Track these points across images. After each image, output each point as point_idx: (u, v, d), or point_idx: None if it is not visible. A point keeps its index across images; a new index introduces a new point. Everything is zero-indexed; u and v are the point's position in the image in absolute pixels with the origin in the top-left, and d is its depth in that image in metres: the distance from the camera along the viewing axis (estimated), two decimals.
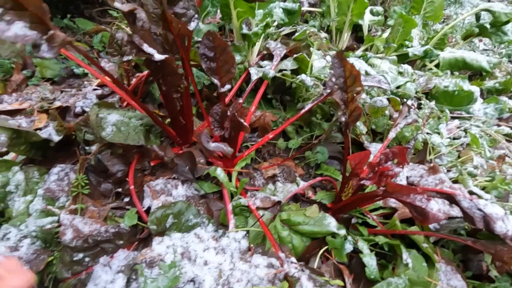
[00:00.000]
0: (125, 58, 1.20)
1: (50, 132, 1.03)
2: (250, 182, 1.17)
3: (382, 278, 0.88)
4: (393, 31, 1.99)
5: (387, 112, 1.39)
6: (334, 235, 0.95)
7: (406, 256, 0.84)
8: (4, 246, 0.81)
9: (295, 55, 1.33)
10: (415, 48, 2.06)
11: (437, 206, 0.70)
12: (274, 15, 1.63)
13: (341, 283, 0.76)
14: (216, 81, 0.97)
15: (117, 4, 0.78)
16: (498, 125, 1.68)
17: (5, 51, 1.13)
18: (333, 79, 0.90)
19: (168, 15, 0.76)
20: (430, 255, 0.88)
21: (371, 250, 0.92)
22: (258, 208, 0.96)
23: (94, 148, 1.09)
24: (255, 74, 1.27)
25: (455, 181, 1.19)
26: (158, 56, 0.78)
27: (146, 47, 0.78)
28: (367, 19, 2.30)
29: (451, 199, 0.82)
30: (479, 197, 0.94)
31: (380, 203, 1.10)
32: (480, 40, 2.89)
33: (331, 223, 0.94)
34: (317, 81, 1.33)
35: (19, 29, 0.61)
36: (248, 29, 1.51)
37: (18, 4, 0.62)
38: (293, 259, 0.79)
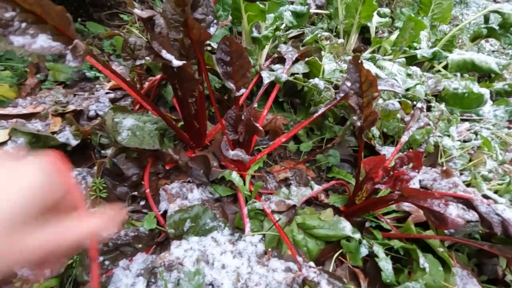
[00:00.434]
0: (138, 62, 1.22)
1: (68, 136, 1.04)
2: (263, 185, 1.18)
3: (398, 283, 0.88)
4: (402, 33, 1.98)
5: (398, 115, 1.39)
6: (349, 238, 0.96)
7: (423, 260, 0.85)
8: None
9: (306, 59, 1.33)
10: (424, 50, 2.06)
11: (456, 211, 0.71)
12: (284, 18, 1.64)
13: None
14: (231, 85, 0.98)
15: (137, 11, 0.79)
16: (508, 128, 1.67)
17: (20, 49, 1.15)
18: (348, 84, 0.90)
19: (191, 21, 0.77)
20: (446, 259, 0.88)
21: (387, 254, 0.93)
22: (273, 212, 0.97)
23: (109, 151, 1.10)
24: (267, 77, 1.28)
25: (468, 185, 1.19)
26: (176, 62, 0.79)
27: (165, 53, 0.79)
28: (374, 21, 2.31)
29: (468, 204, 0.82)
30: (495, 201, 0.94)
31: (393, 206, 1.10)
32: (487, 41, 2.88)
33: (346, 227, 0.94)
34: (328, 84, 1.34)
35: (43, 41, 0.62)
36: (258, 33, 1.52)
37: (39, 18, 0.63)
38: (311, 263, 0.80)
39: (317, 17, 2.42)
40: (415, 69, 1.83)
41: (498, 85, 2.04)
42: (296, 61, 1.38)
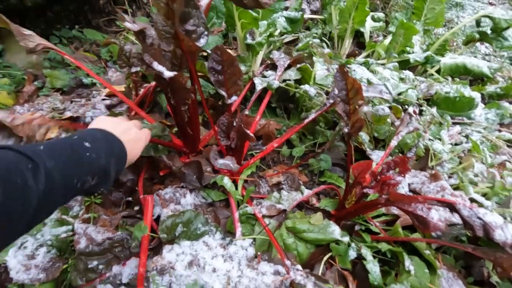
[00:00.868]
0: (133, 70, 1.25)
1: None
2: (255, 189, 1.21)
3: (385, 284, 0.90)
4: (394, 38, 2.02)
5: (388, 120, 1.42)
6: (338, 242, 0.98)
7: (408, 263, 0.87)
8: (22, 255, 0.84)
9: (298, 65, 1.36)
10: (416, 54, 2.09)
11: (437, 215, 0.73)
12: (277, 24, 1.67)
13: None
14: (223, 93, 1.01)
15: (128, 24, 0.82)
16: (499, 131, 1.70)
17: (21, 62, 1.18)
18: (336, 91, 0.93)
19: (180, 34, 0.79)
20: (431, 261, 0.90)
21: (374, 257, 0.95)
22: (264, 216, 0.99)
23: None
24: (259, 84, 1.31)
25: (456, 188, 1.22)
26: (168, 74, 0.82)
27: (156, 65, 0.82)
28: (368, 26, 2.34)
29: (452, 208, 0.84)
30: (480, 204, 0.96)
31: (382, 210, 1.12)
32: (482, 44, 2.91)
33: (335, 231, 0.97)
34: (320, 90, 1.37)
35: None
36: (252, 39, 1.55)
37: None
38: (299, 267, 0.82)
39: (312, 22, 2.45)
40: (407, 73, 1.86)
41: (491, 88, 2.07)
42: (288, 67, 1.41)
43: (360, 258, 0.98)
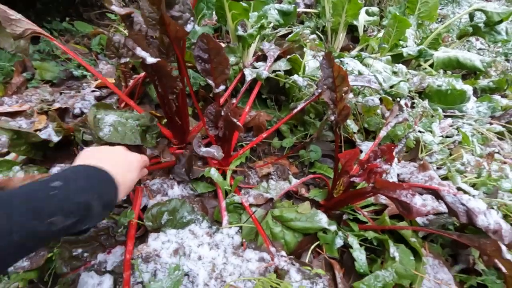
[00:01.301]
0: (122, 60, 1.24)
1: (50, 133, 1.06)
2: (245, 180, 1.20)
3: (371, 272, 0.90)
4: (387, 31, 2.01)
5: (379, 111, 1.42)
6: (325, 230, 0.98)
7: (394, 250, 0.87)
8: None
9: (288, 56, 1.36)
10: (410, 48, 2.09)
11: (420, 201, 0.73)
12: (269, 16, 1.66)
13: (323, 272, 0.79)
14: (210, 82, 1.00)
15: (114, 8, 0.81)
16: (491, 123, 1.70)
17: (10, 47, 1.15)
18: (323, 79, 0.93)
19: (166, 17, 0.78)
20: (417, 249, 0.90)
21: (361, 245, 0.95)
22: (251, 205, 0.99)
23: None
24: (249, 75, 1.30)
25: (445, 178, 1.22)
26: (151, 60, 0.81)
27: (139, 51, 0.81)
28: (362, 20, 2.33)
29: (436, 195, 0.85)
30: (466, 193, 0.97)
31: (371, 200, 1.12)
32: (477, 39, 2.92)
33: (322, 219, 0.97)
34: (310, 81, 1.37)
35: None
36: (243, 31, 1.54)
37: None
38: (283, 253, 0.82)
39: (306, 16, 2.44)
40: (400, 66, 1.86)
41: (483, 82, 2.07)
42: (278, 58, 1.40)
43: (347, 246, 0.98)
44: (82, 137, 1.14)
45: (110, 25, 2.01)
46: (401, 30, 1.99)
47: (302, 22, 2.43)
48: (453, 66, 2.04)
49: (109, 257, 0.85)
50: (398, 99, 1.58)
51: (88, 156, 0.71)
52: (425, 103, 1.61)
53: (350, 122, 1.26)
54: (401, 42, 2.16)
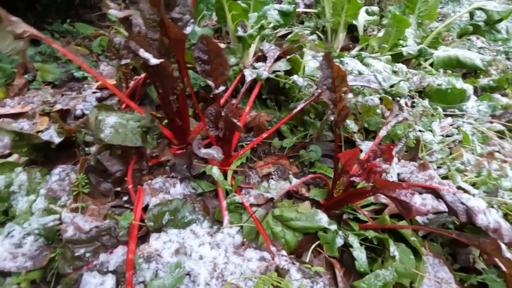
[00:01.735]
0: (123, 62, 1.25)
1: (51, 134, 1.07)
2: (246, 180, 1.21)
3: (372, 271, 0.91)
4: (387, 31, 2.01)
5: (379, 110, 1.42)
6: (325, 230, 0.99)
7: (394, 249, 0.88)
8: (9, 243, 0.85)
9: (288, 56, 1.36)
10: (409, 47, 2.09)
11: (420, 200, 0.73)
12: (269, 17, 1.66)
13: (323, 270, 0.79)
14: (210, 83, 1.01)
15: (112, 11, 0.82)
16: (491, 122, 1.70)
17: (7, 48, 1.16)
18: (322, 80, 0.93)
19: (166, 20, 0.79)
20: (417, 248, 0.91)
21: (361, 244, 0.96)
22: (251, 205, 1.00)
23: (93, 149, 1.12)
24: (249, 75, 1.31)
25: (445, 177, 1.22)
26: (154, 61, 0.82)
27: (142, 52, 0.82)
28: (362, 19, 2.33)
29: (436, 194, 0.85)
30: (466, 192, 0.97)
31: (371, 199, 1.13)
32: (478, 38, 2.91)
33: (322, 219, 0.97)
34: (310, 81, 1.37)
35: None
36: (243, 31, 1.55)
37: None
38: (284, 253, 0.83)
39: (305, 16, 2.44)
40: (400, 66, 1.86)
41: (483, 81, 2.07)
42: (278, 58, 1.40)
43: (347, 246, 0.98)
44: (83, 138, 1.15)
45: (110, 26, 2.02)
46: (401, 29, 1.99)
47: (302, 22, 2.43)
48: (453, 65, 2.04)
49: (111, 257, 0.85)
50: (398, 98, 1.58)
51: None
52: (425, 102, 1.61)
53: (349, 122, 1.26)
54: (401, 42, 2.16)
